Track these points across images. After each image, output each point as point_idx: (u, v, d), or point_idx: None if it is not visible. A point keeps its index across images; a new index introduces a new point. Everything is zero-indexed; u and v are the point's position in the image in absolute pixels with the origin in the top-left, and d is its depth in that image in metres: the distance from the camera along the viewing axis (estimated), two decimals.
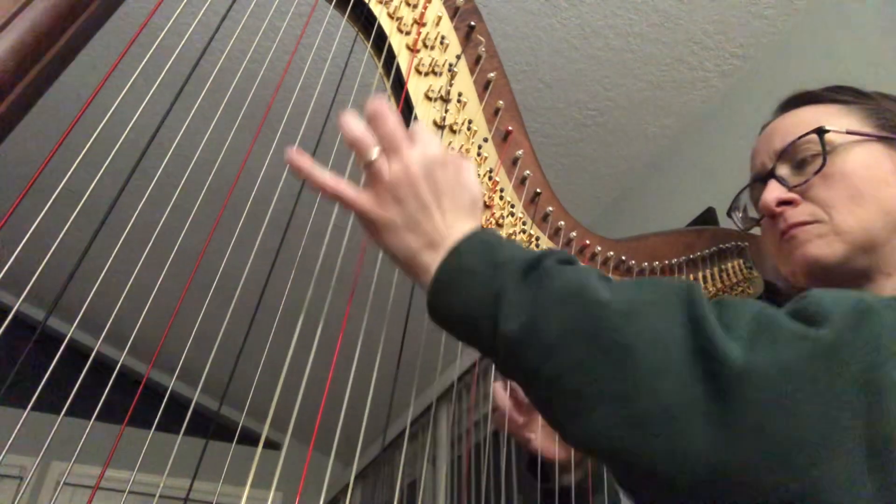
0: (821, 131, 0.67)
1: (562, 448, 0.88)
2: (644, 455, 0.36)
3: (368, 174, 0.55)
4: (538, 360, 0.42)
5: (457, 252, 0.50)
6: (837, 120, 0.68)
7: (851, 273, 0.65)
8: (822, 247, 0.65)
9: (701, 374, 0.36)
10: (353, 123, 0.55)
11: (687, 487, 0.35)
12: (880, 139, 0.67)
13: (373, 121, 0.55)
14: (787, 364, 0.35)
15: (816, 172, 0.66)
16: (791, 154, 0.69)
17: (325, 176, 0.55)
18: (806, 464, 0.33)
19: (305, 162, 0.56)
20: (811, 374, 0.35)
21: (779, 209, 0.68)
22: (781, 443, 0.33)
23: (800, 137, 0.68)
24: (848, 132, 0.67)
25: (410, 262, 0.53)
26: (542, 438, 0.89)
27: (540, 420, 0.90)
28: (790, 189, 0.68)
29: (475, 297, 0.47)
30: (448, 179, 0.54)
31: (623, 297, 0.41)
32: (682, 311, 0.39)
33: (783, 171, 0.70)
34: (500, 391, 0.94)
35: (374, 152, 0.54)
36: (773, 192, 0.68)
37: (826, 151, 0.66)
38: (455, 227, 0.53)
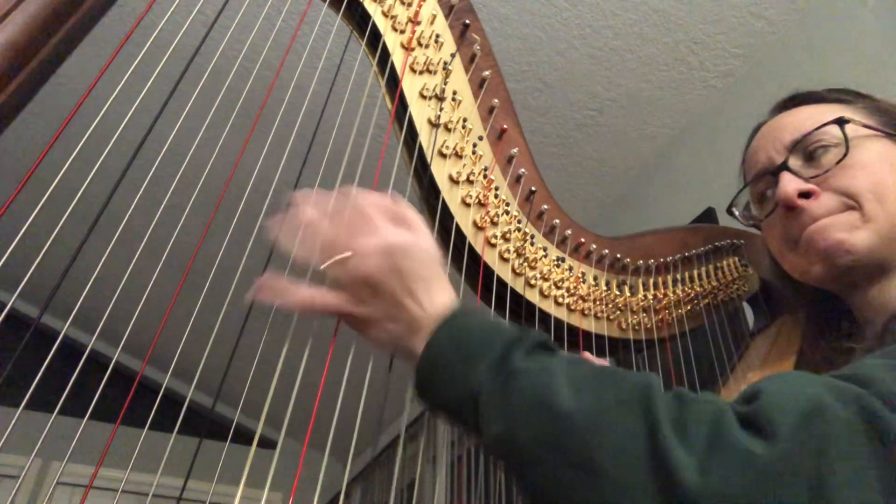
0: (842, 121, 0.66)
1: None
2: None
3: (338, 277, 0.57)
4: (519, 468, 0.45)
5: (432, 346, 0.52)
6: (849, 114, 0.68)
7: (871, 266, 0.64)
8: (851, 233, 0.64)
9: (658, 492, 0.37)
10: (321, 226, 0.57)
11: None
12: (888, 135, 0.67)
13: (312, 230, 0.57)
14: (735, 488, 0.36)
15: (839, 162, 0.65)
16: (805, 146, 0.68)
17: (301, 291, 0.57)
18: None
19: (271, 284, 0.57)
20: (759, 495, 0.36)
21: (799, 201, 0.66)
22: None
23: (819, 127, 0.67)
24: (865, 125, 0.67)
25: (398, 348, 0.56)
26: None
27: None
28: (807, 180, 0.67)
29: (455, 396, 0.50)
30: (413, 263, 0.56)
31: (587, 405, 0.43)
32: (642, 421, 0.40)
33: (795, 164, 0.69)
34: None
35: (346, 253, 0.56)
36: (791, 182, 0.67)
37: (848, 140, 0.65)
38: (429, 306, 0.55)
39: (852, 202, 0.64)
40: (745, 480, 0.36)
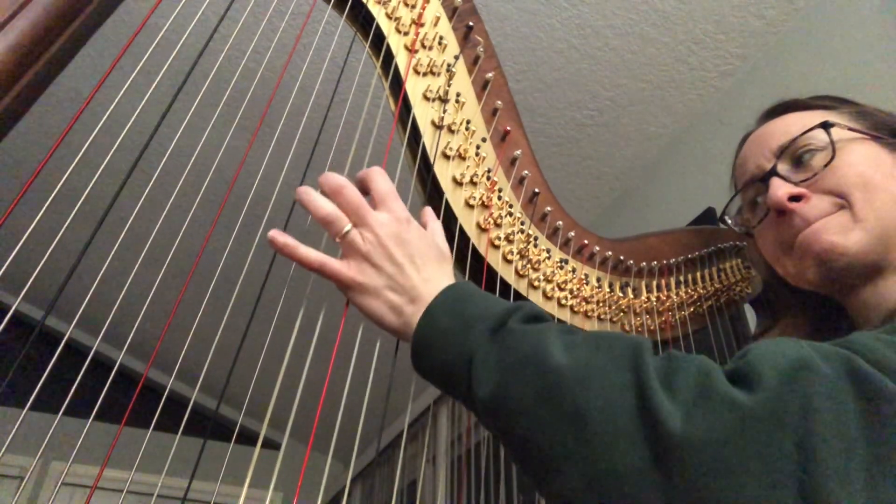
0: (827, 125, 0.67)
1: None
2: None
3: (344, 246, 0.59)
4: (509, 424, 0.46)
5: (430, 313, 0.54)
6: (834, 119, 0.69)
7: (865, 266, 0.64)
8: (844, 235, 0.64)
9: (644, 440, 0.38)
10: (320, 201, 0.60)
11: None
12: (874, 138, 0.68)
13: (333, 196, 0.59)
14: (719, 433, 0.37)
15: (826, 165, 0.66)
16: (792, 151, 0.69)
17: (308, 252, 0.59)
18: None
19: (288, 240, 0.60)
20: (743, 442, 0.37)
21: (790, 205, 0.67)
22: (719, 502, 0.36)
23: (805, 132, 0.68)
24: (850, 128, 0.68)
25: (396, 317, 0.58)
26: None
27: None
28: (796, 185, 0.67)
29: (450, 360, 0.51)
30: (415, 238, 0.59)
31: (578, 361, 0.44)
32: (631, 375, 0.41)
33: (783, 168, 0.69)
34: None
35: (346, 227, 0.59)
36: (781, 187, 0.67)
37: (834, 143, 0.66)
38: (431, 280, 0.58)
39: (843, 202, 0.65)
40: (730, 428, 0.37)
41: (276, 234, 0.60)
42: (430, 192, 0.75)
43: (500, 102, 0.79)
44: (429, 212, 0.64)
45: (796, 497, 0.35)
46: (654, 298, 0.85)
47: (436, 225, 0.63)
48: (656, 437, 0.38)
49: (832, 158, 0.66)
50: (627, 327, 0.84)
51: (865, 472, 0.35)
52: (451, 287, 0.56)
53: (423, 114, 0.75)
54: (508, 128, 0.79)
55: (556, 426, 0.42)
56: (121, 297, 0.65)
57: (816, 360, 0.40)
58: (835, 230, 0.64)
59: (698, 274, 0.89)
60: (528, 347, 0.47)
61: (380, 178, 0.61)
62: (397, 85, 0.74)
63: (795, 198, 0.67)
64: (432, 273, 0.58)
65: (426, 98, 0.75)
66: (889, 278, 0.64)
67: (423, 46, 0.76)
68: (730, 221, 0.78)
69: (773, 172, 0.69)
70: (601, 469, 0.39)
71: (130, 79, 0.65)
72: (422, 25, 0.76)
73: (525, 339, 0.48)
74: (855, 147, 0.67)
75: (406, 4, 0.75)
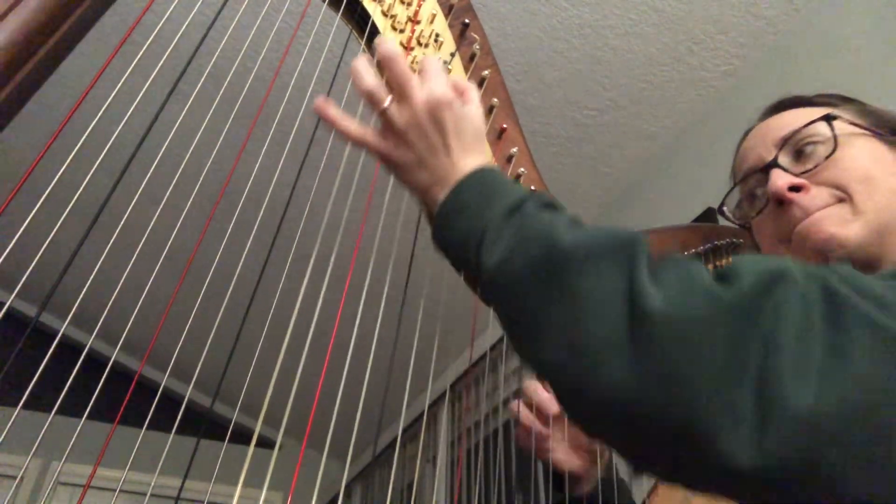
0: (829, 118, 0.67)
1: (575, 459, 0.91)
2: (577, 380, 0.43)
3: (382, 121, 0.61)
4: (507, 291, 0.50)
5: (457, 190, 0.57)
6: (838, 114, 0.69)
7: (861, 260, 0.64)
8: (843, 226, 0.64)
9: (623, 316, 0.42)
10: (367, 75, 0.61)
11: (610, 410, 0.41)
12: (877, 135, 0.68)
13: (384, 63, 0.60)
14: (692, 315, 0.40)
15: (828, 156, 0.66)
16: (794, 143, 0.69)
17: (351, 125, 0.62)
18: (696, 400, 0.38)
19: (332, 111, 0.62)
20: (713, 327, 0.39)
21: (790, 195, 0.66)
22: (679, 379, 0.38)
23: (808, 124, 0.68)
24: (852, 123, 0.68)
25: (424, 195, 0.60)
26: (560, 452, 0.92)
27: (558, 436, 0.92)
28: (798, 176, 0.67)
29: (467, 231, 0.54)
30: (453, 119, 0.60)
31: (579, 243, 0.48)
32: (624, 261, 0.45)
33: (784, 160, 0.69)
34: (525, 409, 0.93)
35: (386, 101, 0.60)
36: (782, 177, 0.67)
37: (837, 136, 0.66)
38: (461, 163, 0.59)
39: (843, 194, 0.65)
40: (704, 313, 0.40)
41: (323, 104, 0.62)
42: None
43: (496, 100, 0.78)
44: (471, 92, 0.64)
45: (752, 383, 0.37)
46: None
47: (476, 108, 0.64)
48: (634, 314, 0.41)
49: (834, 150, 0.66)
50: None
51: (818, 374, 0.37)
52: (479, 170, 0.58)
53: None
54: (505, 125, 0.79)
55: (548, 297, 0.46)
56: (115, 293, 0.65)
57: (794, 273, 0.42)
58: (834, 222, 0.64)
59: None
60: (538, 228, 0.50)
61: (432, 61, 0.63)
62: None
63: (795, 188, 0.66)
64: (464, 156, 0.60)
65: None
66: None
67: (419, 44, 0.75)
68: (728, 213, 0.78)
69: (774, 163, 0.69)
70: (582, 340, 0.43)
71: (125, 76, 0.64)
72: (418, 23, 0.75)
73: (536, 221, 0.51)
74: (857, 142, 0.67)
75: (402, 2, 0.75)
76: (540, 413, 0.92)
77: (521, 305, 0.48)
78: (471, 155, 0.60)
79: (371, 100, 0.61)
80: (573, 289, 0.45)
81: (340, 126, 0.62)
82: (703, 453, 0.37)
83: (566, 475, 0.89)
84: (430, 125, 0.59)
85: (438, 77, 0.61)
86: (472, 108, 0.63)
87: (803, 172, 0.67)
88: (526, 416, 0.92)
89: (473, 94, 0.64)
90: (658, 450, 0.41)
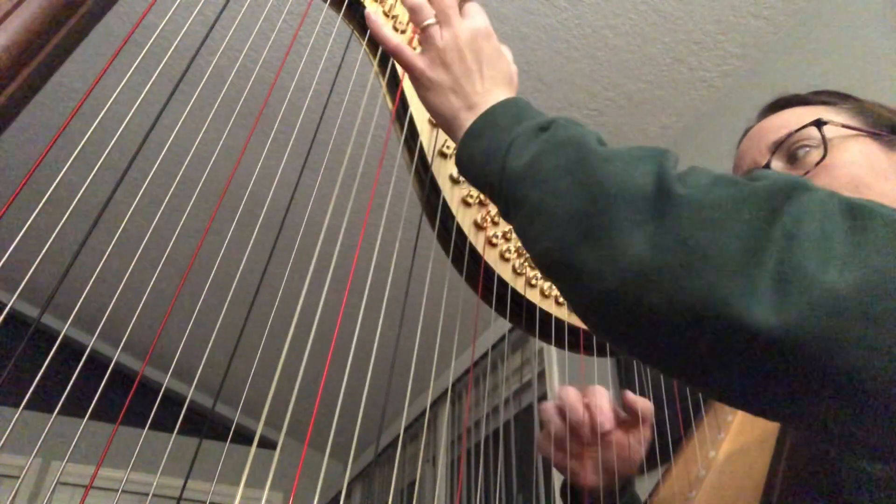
0: (819, 123, 0.67)
1: (594, 476, 0.82)
2: (587, 262, 0.43)
3: (423, 38, 0.63)
4: (531, 189, 0.49)
5: (490, 112, 0.58)
6: (830, 116, 0.68)
7: None
8: None
9: (649, 200, 0.42)
10: None
11: (616, 288, 0.41)
12: (871, 135, 0.68)
13: None
14: (717, 199, 0.40)
15: (818, 163, 0.66)
16: (786, 147, 0.69)
17: (390, 36, 0.65)
18: (716, 274, 0.37)
19: (378, 19, 0.66)
20: (737, 211, 0.39)
21: None
22: (700, 255, 0.38)
23: (798, 130, 0.68)
24: (844, 126, 0.67)
25: (451, 119, 0.61)
26: (589, 470, 0.82)
27: (591, 453, 0.82)
28: None
29: (493, 145, 0.55)
30: (491, 51, 0.62)
31: (608, 151, 0.48)
32: (653, 165, 0.44)
33: (777, 165, 0.70)
34: (558, 418, 0.82)
35: (430, 20, 0.62)
36: None
37: (827, 141, 0.66)
38: (493, 93, 0.60)
39: None
40: (729, 198, 0.40)
41: (371, 13, 0.66)
42: (427, 190, 0.74)
43: None
44: (501, 44, 0.66)
45: (773, 264, 0.36)
46: None
47: (507, 51, 0.66)
48: (660, 195, 0.41)
49: (823, 157, 0.66)
50: None
51: (840, 259, 0.36)
52: (511, 99, 0.59)
53: (421, 112, 0.74)
54: None
55: (572, 189, 0.46)
56: (117, 294, 0.65)
57: (823, 192, 0.41)
58: None
59: None
60: (570, 135, 0.51)
61: (476, 5, 0.65)
62: (394, 83, 0.74)
63: None
64: (496, 87, 0.61)
65: None
66: None
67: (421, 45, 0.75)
68: None
69: (766, 168, 0.69)
70: (598, 221, 0.43)
71: (127, 77, 0.64)
72: None
73: (569, 130, 0.52)
74: (849, 145, 0.67)
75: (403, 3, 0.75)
76: (574, 428, 0.81)
77: (541, 200, 0.48)
78: (502, 88, 0.62)
79: (415, 14, 0.63)
80: (598, 180, 0.45)
81: (381, 34, 0.64)
82: (723, 322, 0.36)
83: (585, 494, 0.81)
84: (469, 50, 0.61)
85: (480, 15, 0.64)
86: (508, 54, 0.65)
87: (802, 174, 0.67)
88: (559, 426, 0.82)
89: (503, 47, 0.66)
90: (676, 329, 0.39)
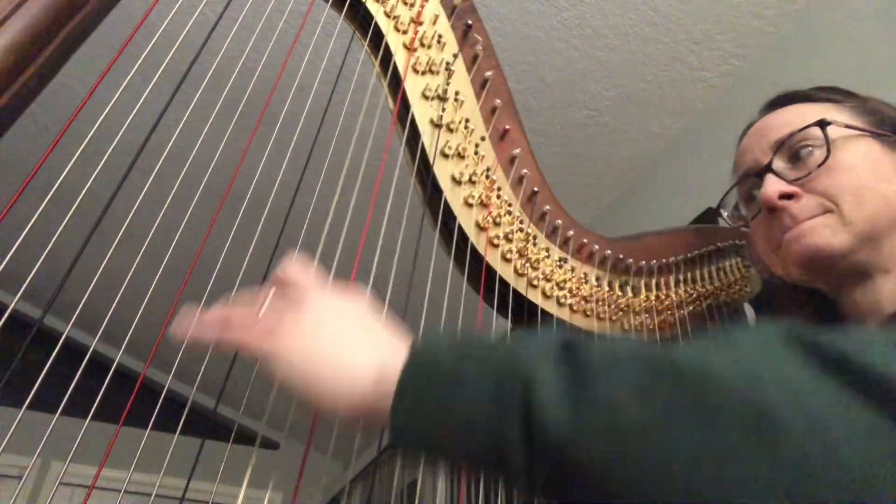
0: (823, 123, 0.66)
1: None
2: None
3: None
4: (634, 455, 0.31)
5: (419, 353, 0.40)
6: (833, 115, 0.68)
7: (851, 268, 0.65)
8: (828, 237, 0.64)
9: (852, 392, 0.30)
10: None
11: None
12: (874, 135, 0.67)
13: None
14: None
15: (821, 164, 0.65)
16: (788, 147, 0.69)
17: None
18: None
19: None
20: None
21: (781, 203, 0.66)
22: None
23: (801, 129, 0.67)
24: (847, 126, 0.67)
25: (359, 404, 0.42)
26: None
27: None
28: (790, 182, 0.67)
29: (482, 391, 0.35)
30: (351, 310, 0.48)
31: (716, 359, 0.33)
32: (796, 349, 0.32)
33: (779, 164, 0.69)
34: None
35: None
36: (774, 184, 0.67)
37: (830, 142, 0.65)
38: (392, 342, 0.45)
39: (831, 204, 0.65)
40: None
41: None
42: (429, 191, 0.74)
43: (498, 101, 0.79)
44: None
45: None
46: (653, 297, 0.85)
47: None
48: (861, 380, 0.30)
49: (826, 158, 0.65)
50: (627, 326, 0.84)
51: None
52: (426, 334, 0.43)
53: (422, 112, 0.75)
54: (507, 126, 0.79)
55: (726, 438, 0.30)
56: (119, 295, 0.64)
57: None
58: (820, 232, 0.64)
59: (697, 273, 0.88)
60: (624, 349, 0.35)
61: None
62: (396, 83, 0.74)
63: (787, 195, 0.66)
64: (384, 341, 0.45)
65: (425, 97, 0.75)
66: (878, 280, 0.64)
67: (422, 45, 0.76)
68: (724, 214, 0.78)
69: (769, 168, 0.69)
70: (815, 459, 0.29)
71: (128, 77, 0.64)
72: (420, 24, 0.75)
73: (616, 348, 0.36)
74: (851, 146, 0.66)
75: (405, 3, 0.75)
76: None
77: (667, 468, 0.30)
78: (384, 340, 0.45)
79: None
80: (762, 411, 0.30)
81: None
82: None
83: None
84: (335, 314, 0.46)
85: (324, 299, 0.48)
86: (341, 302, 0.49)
87: (796, 179, 0.67)
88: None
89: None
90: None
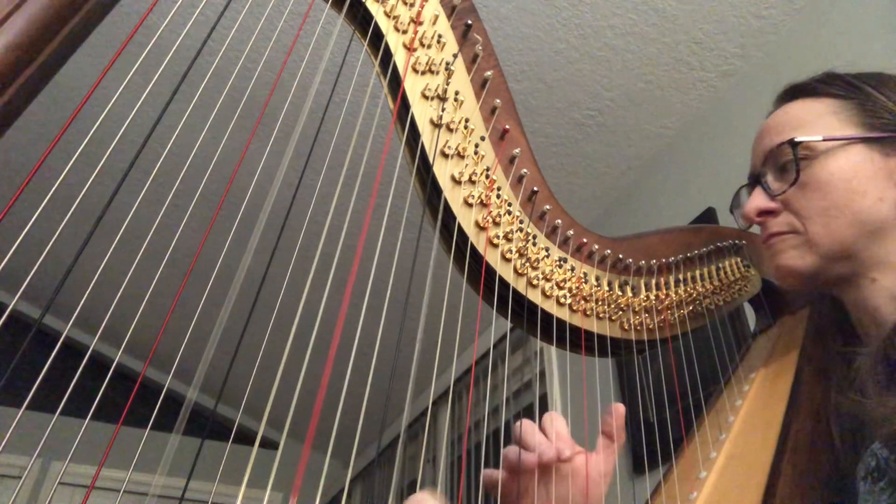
0: (793, 143, 0.67)
1: None
2: None
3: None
4: None
5: None
6: (821, 121, 0.68)
7: (829, 279, 0.67)
8: (796, 258, 0.66)
9: None
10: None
11: None
12: (863, 140, 0.66)
13: None
14: None
15: (791, 185, 0.67)
16: (773, 159, 0.70)
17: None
18: None
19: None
20: None
21: (759, 218, 0.69)
22: None
23: (779, 145, 0.69)
24: (825, 139, 0.66)
25: None
26: None
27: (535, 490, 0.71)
28: (773, 197, 0.69)
29: None
30: None
31: None
32: None
33: (769, 176, 0.71)
34: (491, 474, 0.73)
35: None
36: (755, 200, 0.70)
37: (799, 163, 0.67)
38: None
39: (799, 225, 0.67)
40: None
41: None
42: (428, 191, 0.74)
43: (498, 101, 0.78)
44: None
45: None
46: (653, 297, 0.85)
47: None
48: None
49: (796, 179, 0.67)
50: (626, 326, 0.84)
51: None
52: None
53: (422, 112, 0.74)
54: (507, 126, 0.79)
55: None
56: (118, 295, 0.64)
57: None
58: (790, 253, 0.67)
59: (697, 272, 0.89)
60: None
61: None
62: (396, 83, 0.74)
63: (767, 211, 0.69)
64: None
65: (425, 96, 0.75)
66: (865, 287, 0.65)
67: (422, 45, 0.75)
68: (735, 214, 0.80)
69: (758, 180, 0.71)
70: None
71: (128, 77, 0.64)
72: (420, 24, 0.75)
73: None
74: (831, 159, 0.66)
75: (405, 3, 0.75)
76: (512, 468, 0.71)
77: None
78: None
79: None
80: None
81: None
82: None
83: None
84: None
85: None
86: None
87: (777, 195, 0.69)
88: (490, 477, 0.72)
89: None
90: None
